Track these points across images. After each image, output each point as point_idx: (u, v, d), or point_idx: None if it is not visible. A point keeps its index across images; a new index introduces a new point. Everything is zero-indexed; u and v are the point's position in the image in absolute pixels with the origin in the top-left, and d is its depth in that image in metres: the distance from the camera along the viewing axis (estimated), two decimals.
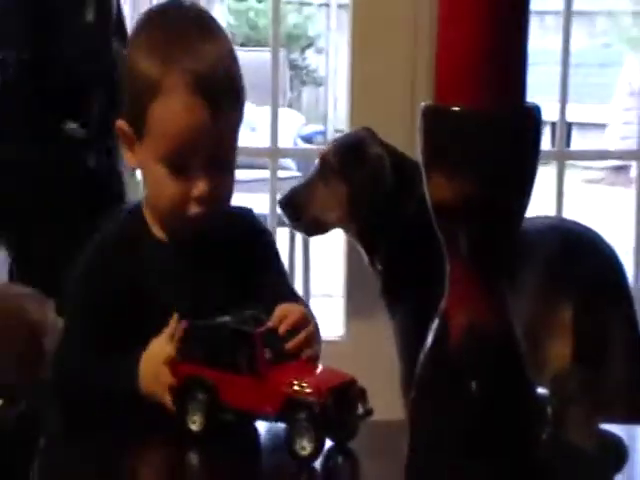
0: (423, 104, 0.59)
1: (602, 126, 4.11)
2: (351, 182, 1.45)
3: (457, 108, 0.57)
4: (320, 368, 0.81)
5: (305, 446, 0.72)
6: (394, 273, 1.42)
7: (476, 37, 0.58)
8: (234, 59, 0.95)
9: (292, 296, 0.97)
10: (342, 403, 0.75)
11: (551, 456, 0.64)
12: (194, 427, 0.78)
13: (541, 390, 0.62)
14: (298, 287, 2.66)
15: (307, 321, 0.84)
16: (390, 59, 1.75)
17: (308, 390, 0.74)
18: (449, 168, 0.56)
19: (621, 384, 1.11)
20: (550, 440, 0.63)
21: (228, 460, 0.78)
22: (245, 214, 1.04)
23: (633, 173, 2.26)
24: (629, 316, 1.35)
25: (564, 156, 2.02)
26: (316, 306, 1.22)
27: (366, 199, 1.43)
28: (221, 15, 5.30)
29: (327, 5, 4.73)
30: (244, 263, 0.96)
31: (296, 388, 0.74)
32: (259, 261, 0.98)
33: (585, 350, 0.94)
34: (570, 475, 0.68)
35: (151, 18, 0.99)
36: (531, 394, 0.60)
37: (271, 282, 0.97)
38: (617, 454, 0.70)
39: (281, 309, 0.84)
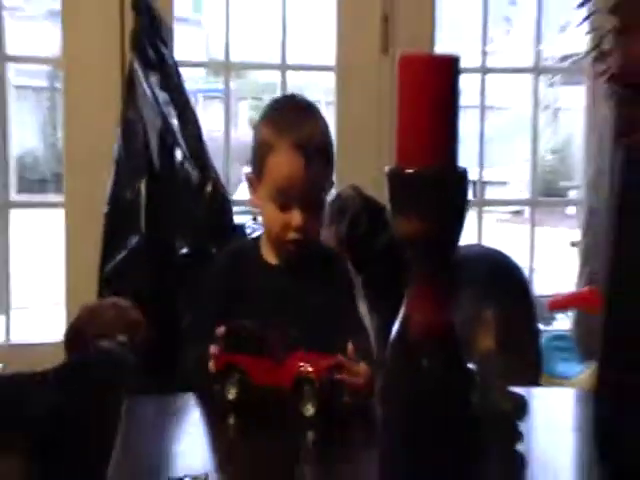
0: (387, 168, 0.78)
1: (504, 183, 5.88)
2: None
3: (412, 170, 0.76)
4: (319, 354, 1.11)
5: (309, 408, 1.05)
6: (372, 285, 1.71)
7: (425, 120, 0.80)
8: (326, 131, 1.36)
9: (359, 328, 1.32)
10: (333, 379, 1.07)
11: (479, 412, 0.87)
12: (230, 397, 1.12)
13: (472, 366, 0.84)
14: None
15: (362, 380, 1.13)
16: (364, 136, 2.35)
17: (310, 370, 1.05)
18: (408, 213, 0.79)
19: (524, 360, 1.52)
20: (478, 401, 0.87)
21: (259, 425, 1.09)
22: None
23: (527, 215, 3.15)
24: (531, 315, 1.85)
25: (483, 203, 2.71)
26: None
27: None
28: None
29: None
30: (327, 286, 1.33)
31: (302, 370, 1.05)
32: (338, 286, 1.35)
33: (502, 338, 1.22)
34: (492, 425, 0.92)
35: (272, 103, 1.46)
36: (465, 370, 0.80)
37: (344, 308, 1.33)
38: (522, 408, 0.96)
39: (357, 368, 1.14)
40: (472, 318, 1.30)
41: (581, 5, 1.00)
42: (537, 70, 2.67)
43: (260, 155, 1.34)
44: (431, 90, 0.77)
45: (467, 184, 0.78)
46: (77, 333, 1.50)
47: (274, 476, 0.95)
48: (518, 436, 0.95)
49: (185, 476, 0.87)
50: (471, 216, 2.44)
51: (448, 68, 0.79)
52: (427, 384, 0.78)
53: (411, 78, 0.79)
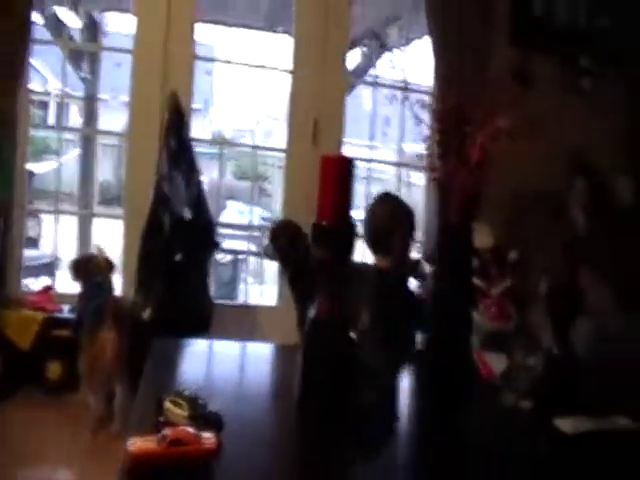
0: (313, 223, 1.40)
1: None
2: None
3: (324, 223, 1.39)
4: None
5: None
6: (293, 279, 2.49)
7: (333, 194, 1.40)
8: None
9: None
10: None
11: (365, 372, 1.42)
12: None
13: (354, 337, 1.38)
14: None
15: None
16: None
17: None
18: (320, 245, 1.37)
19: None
20: (361, 363, 1.42)
21: None
22: None
23: None
24: None
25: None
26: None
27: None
28: None
29: None
30: None
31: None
32: None
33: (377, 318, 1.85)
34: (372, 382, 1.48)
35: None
36: (350, 342, 1.35)
37: None
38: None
39: None
40: (360, 306, 1.86)
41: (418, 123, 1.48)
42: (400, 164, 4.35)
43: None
44: (337, 178, 1.38)
45: (355, 231, 1.37)
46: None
47: None
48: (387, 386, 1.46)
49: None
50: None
51: (347, 164, 1.40)
52: (330, 354, 1.34)
53: (326, 170, 1.39)
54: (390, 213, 2.61)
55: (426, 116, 1.58)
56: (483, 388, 1.52)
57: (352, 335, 1.37)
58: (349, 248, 1.37)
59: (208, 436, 1.09)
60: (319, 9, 3.78)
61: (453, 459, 1.24)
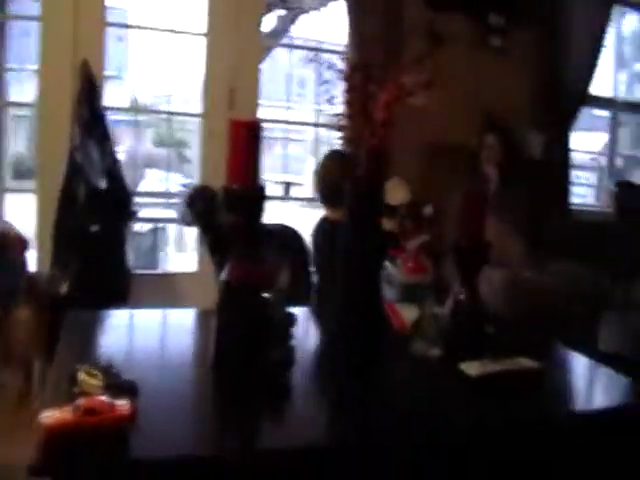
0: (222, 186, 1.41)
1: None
2: None
3: (234, 187, 1.39)
4: None
5: None
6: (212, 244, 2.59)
7: (242, 157, 1.41)
8: None
9: None
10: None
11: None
12: None
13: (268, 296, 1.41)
14: None
15: None
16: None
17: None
18: (232, 211, 1.38)
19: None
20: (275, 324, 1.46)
21: None
22: None
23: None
24: (307, 263, 2.89)
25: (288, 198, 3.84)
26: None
27: None
28: None
29: None
30: None
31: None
32: None
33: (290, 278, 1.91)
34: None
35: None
36: (263, 304, 1.40)
37: None
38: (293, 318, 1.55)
39: None
40: (274, 267, 1.91)
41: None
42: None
43: None
44: (245, 142, 1.39)
45: (264, 195, 1.39)
46: None
47: None
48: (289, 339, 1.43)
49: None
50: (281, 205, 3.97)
51: (255, 128, 1.41)
52: (240, 309, 1.37)
53: (235, 134, 1.40)
54: (339, 168, 2.68)
55: (334, 76, 1.59)
56: (395, 339, 1.57)
57: (266, 296, 1.40)
58: (259, 211, 1.38)
59: (122, 403, 1.09)
60: None
61: (367, 406, 1.29)
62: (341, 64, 1.55)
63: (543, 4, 4.78)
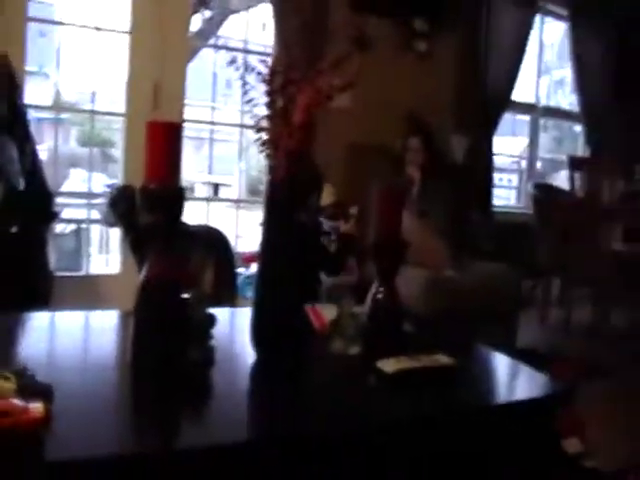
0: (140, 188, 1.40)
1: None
2: None
3: (152, 186, 1.39)
4: None
5: None
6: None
7: (159, 158, 1.41)
8: None
9: None
10: None
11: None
12: None
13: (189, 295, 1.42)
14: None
15: None
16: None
17: None
18: (151, 211, 1.38)
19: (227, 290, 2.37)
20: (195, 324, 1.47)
21: None
22: None
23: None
24: (233, 264, 2.92)
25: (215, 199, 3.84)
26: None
27: None
28: None
29: None
30: None
31: None
32: None
33: (216, 278, 1.92)
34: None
35: None
36: (181, 304, 1.41)
37: None
38: (212, 319, 1.56)
39: None
40: (199, 266, 1.92)
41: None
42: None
43: None
44: (163, 142, 1.39)
45: (183, 195, 1.38)
46: None
47: None
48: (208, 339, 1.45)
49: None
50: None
51: (173, 129, 1.41)
52: (158, 307, 1.36)
53: (153, 134, 1.40)
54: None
55: (255, 79, 1.60)
56: (316, 338, 1.59)
57: (185, 296, 1.40)
58: (178, 211, 1.38)
59: (36, 406, 1.08)
60: None
61: (285, 405, 1.31)
62: (261, 67, 1.57)
63: (467, 11, 4.91)
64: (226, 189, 7.74)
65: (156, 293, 1.34)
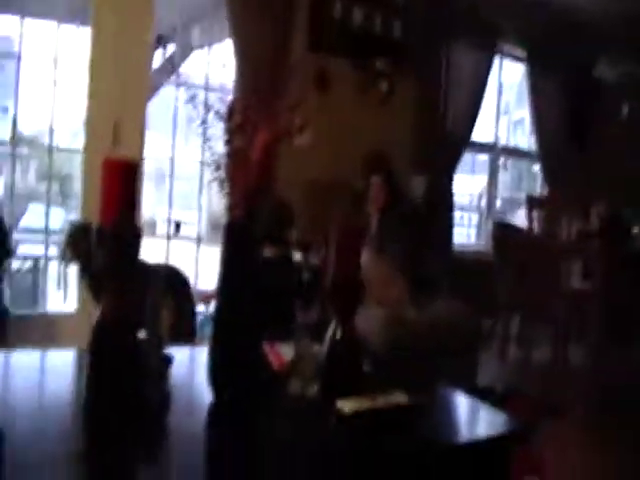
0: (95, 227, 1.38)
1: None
2: None
3: (105, 227, 1.38)
4: None
5: None
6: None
7: (113, 197, 1.39)
8: None
9: None
10: None
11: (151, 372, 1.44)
12: None
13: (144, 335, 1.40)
14: None
15: None
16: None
17: None
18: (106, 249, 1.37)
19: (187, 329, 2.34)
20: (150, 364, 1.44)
21: None
22: None
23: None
24: (192, 303, 2.91)
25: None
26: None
27: None
28: None
29: None
30: None
31: None
32: None
33: (175, 318, 1.89)
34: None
35: None
36: (135, 344, 1.39)
37: None
38: (168, 360, 1.53)
39: None
40: (157, 305, 1.88)
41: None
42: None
43: None
44: (121, 181, 1.37)
45: (140, 236, 1.37)
46: None
47: None
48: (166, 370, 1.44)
49: None
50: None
51: (133, 168, 1.39)
52: (111, 349, 1.34)
53: (110, 173, 1.38)
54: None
55: (214, 117, 1.61)
56: (274, 378, 1.57)
57: (139, 337, 1.38)
58: (133, 251, 1.36)
59: None
60: (119, 7, 3.71)
61: (240, 450, 1.29)
62: (220, 105, 1.57)
63: (428, 52, 5.02)
64: (187, 226, 7.77)
65: (111, 334, 1.31)
